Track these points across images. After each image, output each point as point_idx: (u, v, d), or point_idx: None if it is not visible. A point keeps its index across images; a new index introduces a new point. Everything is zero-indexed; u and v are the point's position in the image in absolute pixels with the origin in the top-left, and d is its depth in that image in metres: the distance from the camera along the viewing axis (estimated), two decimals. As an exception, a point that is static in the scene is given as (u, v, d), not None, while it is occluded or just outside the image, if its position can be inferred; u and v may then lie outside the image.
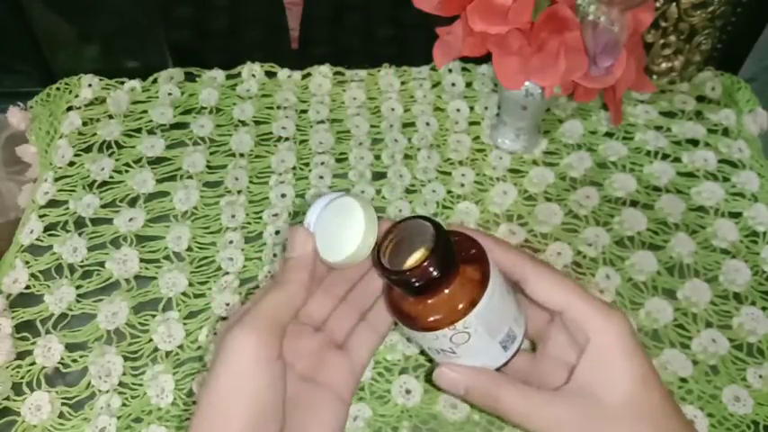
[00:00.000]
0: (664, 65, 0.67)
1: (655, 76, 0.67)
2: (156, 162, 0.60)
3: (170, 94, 0.65)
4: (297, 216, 0.58)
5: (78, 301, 0.52)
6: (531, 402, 0.34)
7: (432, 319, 0.33)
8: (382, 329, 0.38)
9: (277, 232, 0.56)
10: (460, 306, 0.32)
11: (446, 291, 0.33)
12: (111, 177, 0.59)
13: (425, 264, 0.31)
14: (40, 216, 0.56)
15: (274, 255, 0.55)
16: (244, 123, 0.64)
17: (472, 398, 0.35)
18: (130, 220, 0.56)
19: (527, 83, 0.53)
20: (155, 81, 0.66)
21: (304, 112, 0.65)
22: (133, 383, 0.48)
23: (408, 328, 0.34)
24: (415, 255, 0.35)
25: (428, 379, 0.49)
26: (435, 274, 0.31)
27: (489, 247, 0.35)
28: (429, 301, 0.33)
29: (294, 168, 0.61)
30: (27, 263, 0.53)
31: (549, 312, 0.37)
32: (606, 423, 0.32)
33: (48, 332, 0.50)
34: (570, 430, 0.33)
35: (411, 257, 0.35)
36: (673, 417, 0.33)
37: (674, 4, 0.61)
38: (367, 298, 0.38)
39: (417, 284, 0.32)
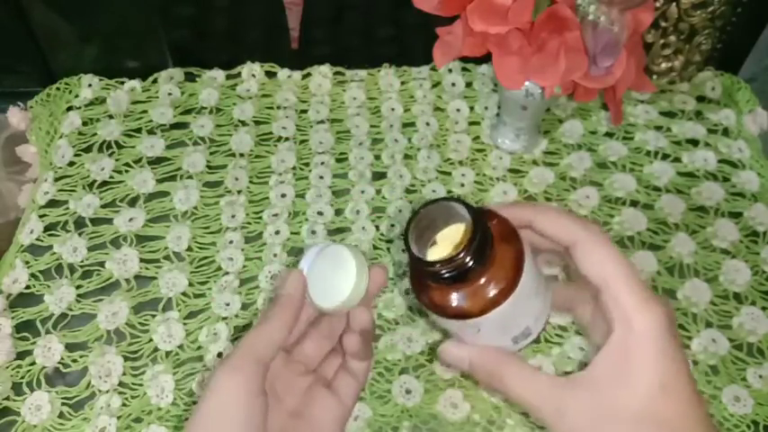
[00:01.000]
0: (664, 65, 0.67)
1: (655, 76, 0.67)
2: (156, 162, 0.60)
3: (170, 94, 0.65)
4: (296, 216, 0.58)
5: (78, 301, 0.52)
6: (536, 387, 0.32)
7: (455, 306, 0.31)
8: (361, 377, 0.38)
9: (277, 232, 0.56)
10: (490, 296, 0.31)
11: (479, 281, 0.31)
12: (111, 177, 0.59)
13: (461, 255, 0.29)
14: (40, 216, 0.56)
15: (274, 255, 0.55)
16: (244, 123, 0.64)
17: (476, 375, 0.34)
18: (130, 220, 0.56)
19: (527, 83, 0.53)
20: (155, 81, 0.66)
21: (304, 112, 0.65)
22: (133, 383, 0.48)
23: (431, 312, 0.33)
24: (446, 241, 0.33)
25: (428, 379, 0.49)
26: (470, 264, 0.30)
27: (533, 216, 0.32)
28: (455, 291, 0.31)
29: (294, 168, 0.61)
30: (27, 263, 0.53)
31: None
32: (613, 427, 0.30)
33: (48, 332, 0.50)
34: (573, 423, 0.30)
35: (442, 243, 0.33)
36: (691, 429, 0.30)
37: (674, 4, 0.61)
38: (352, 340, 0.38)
39: (449, 275, 0.30)
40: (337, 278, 0.35)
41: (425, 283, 0.32)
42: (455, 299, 0.31)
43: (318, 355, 0.38)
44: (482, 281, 0.31)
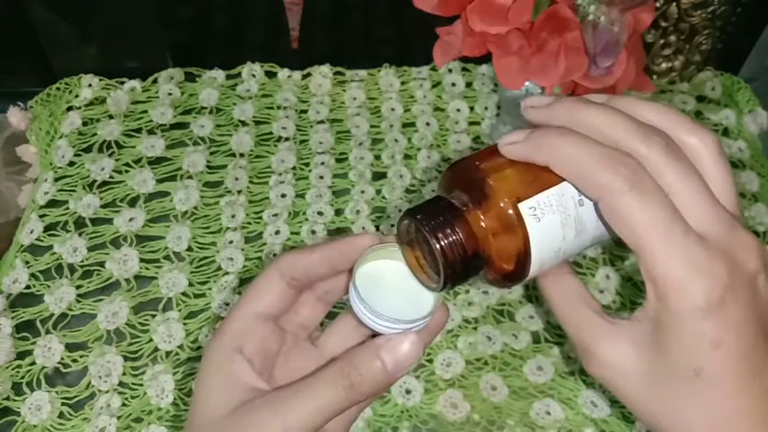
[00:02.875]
0: (664, 65, 0.67)
1: (655, 76, 0.67)
2: (156, 162, 0.60)
3: (170, 94, 0.65)
4: (296, 216, 0.58)
5: (78, 301, 0.52)
6: (579, 324, 0.29)
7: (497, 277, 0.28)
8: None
9: (277, 232, 0.56)
10: (508, 271, 0.27)
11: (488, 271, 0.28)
12: (111, 177, 0.59)
13: (444, 282, 0.27)
14: (40, 216, 0.56)
15: (274, 254, 0.55)
16: (244, 123, 0.64)
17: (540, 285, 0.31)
18: (130, 220, 0.56)
19: (527, 83, 0.53)
20: (155, 81, 0.66)
21: (304, 112, 0.65)
22: (133, 383, 0.48)
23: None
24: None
25: (428, 379, 0.49)
26: (467, 273, 0.27)
27: (547, 162, 0.26)
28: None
29: (294, 168, 0.61)
30: (27, 263, 0.53)
31: None
32: (659, 395, 0.26)
33: (48, 332, 0.50)
34: (602, 369, 0.27)
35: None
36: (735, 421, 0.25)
37: (674, 4, 0.61)
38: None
39: (462, 273, 0.27)
40: (409, 289, 0.30)
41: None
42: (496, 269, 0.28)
43: (313, 321, 0.33)
44: (490, 266, 0.27)
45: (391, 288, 0.30)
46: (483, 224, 0.27)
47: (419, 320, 0.28)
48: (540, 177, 0.27)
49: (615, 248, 0.55)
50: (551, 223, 0.26)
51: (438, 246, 0.26)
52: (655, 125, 0.26)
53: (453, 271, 0.27)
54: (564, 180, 0.27)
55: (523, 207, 0.26)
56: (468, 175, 0.27)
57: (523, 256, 0.27)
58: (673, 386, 0.26)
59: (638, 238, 0.25)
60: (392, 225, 0.57)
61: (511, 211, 0.26)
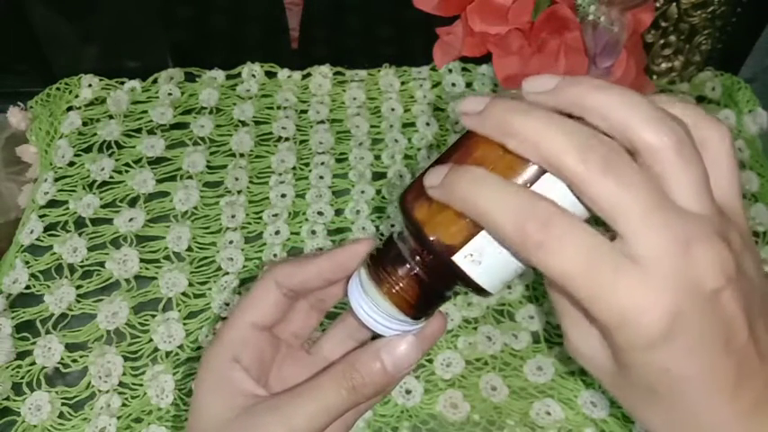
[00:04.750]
0: (664, 65, 0.67)
1: (655, 76, 0.67)
2: (156, 162, 0.60)
3: (170, 94, 0.65)
4: (296, 216, 0.58)
5: (78, 301, 0.52)
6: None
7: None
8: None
9: (277, 232, 0.56)
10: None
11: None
12: (111, 177, 0.59)
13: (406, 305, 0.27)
14: (40, 216, 0.56)
15: (274, 255, 0.55)
16: (244, 123, 0.64)
17: None
18: (130, 220, 0.56)
19: (527, 83, 0.53)
20: (155, 81, 0.66)
21: (304, 112, 0.65)
22: (133, 383, 0.48)
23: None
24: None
25: (428, 379, 0.49)
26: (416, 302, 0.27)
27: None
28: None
29: (294, 168, 0.61)
30: (27, 263, 0.53)
31: None
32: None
33: (48, 332, 0.50)
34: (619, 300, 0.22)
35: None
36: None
37: (674, 4, 0.61)
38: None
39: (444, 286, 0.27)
40: None
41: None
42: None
43: (306, 329, 0.33)
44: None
45: None
46: (427, 271, 0.27)
47: (418, 322, 0.29)
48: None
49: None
50: (497, 259, 0.25)
51: (392, 292, 0.27)
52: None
53: (416, 309, 0.27)
54: None
55: (458, 258, 0.25)
56: (407, 217, 0.26)
57: (476, 290, 0.26)
58: (635, 394, 0.26)
59: (572, 274, 0.22)
60: (392, 225, 0.57)
61: (447, 264, 0.25)
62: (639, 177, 0.22)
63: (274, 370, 0.32)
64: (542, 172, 0.23)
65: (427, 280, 0.27)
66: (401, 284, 0.27)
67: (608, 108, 0.23)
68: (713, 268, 0.22)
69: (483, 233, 0.25)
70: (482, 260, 0.25)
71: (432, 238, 0.25)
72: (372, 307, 0.28)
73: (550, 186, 0.23)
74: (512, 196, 0.23)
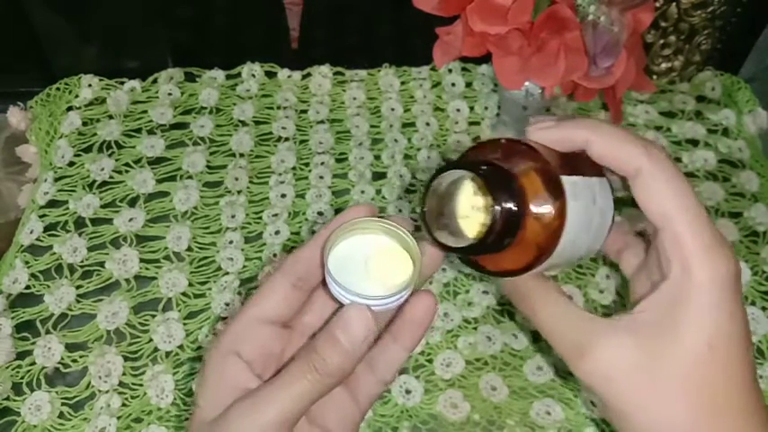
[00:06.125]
0: (664, 65, 0.67)
1: (655, 76, 0.67)
2: (156, 162, 0.60)
3: (170, 94, 0.65)
4: (296, 216, 0.58)
5: (78, 301, 0.52)
6: (565, 316, 0.28)
7: (489, 269, 0.29)
8: (388, 378, 0.33)
9: (277, 232, 0.56)
10: (526, 260, 0.27)
11: (513, 248, 0.27)
12: (111, 177, 0.59)
13: (489, 235, 0.26)
14: (40, 216, 0.56)
15: (274, 255, 0.55)
16: (244, 123, 0.64)
17: (510, 298, 0.31)
18: (130, 220, 0.56)
19: (527, 83, 0.53)
20: (155, 81, 0.66)
21: (304, 112, 0.65)
22: (133, 383, 0.48)
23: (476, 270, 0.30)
24: (473, 212, 0.28)
25: (428, 379, 0.49)
26: (506, 241, 0.26)
27: (589, 136, 0.28)
28: (486, 260, 0.28)
29: (294, 168, 0.61)
30: (27, 263, 0.53)
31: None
32: (640, 383, 0.26)
33: (48, 332, 0.50)
34: (594, 369, 0.27)
35: (469, 214, 0.29)
36: (733, 396, 0.26)
37: (674, 4, 0.61)
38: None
39: (484, 251, 0.27)
40: (382, 267, 0.30)
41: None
42: (488, 264, 0.28)
43: (321, 319, 0.33)
44: (517, 244, 0.27)
45: (365, 265, 0.30)
46: (529, 191, 0.26)
47: (391, 297, 0.28)
48: (573, 163, 0.28)
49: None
50: (581, 208, 0.27)
51: (504, 204, 0.26)
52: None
53: (501, 228, 0.26)
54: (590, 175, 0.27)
55: (566, 180, 0.26)
56: (509, 150, 0.27)
57: (557, 230, 0.26)
58: (674, 374, 0.26)
59: (672, 209, 0.26)
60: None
61: (556, 181, 0.26)
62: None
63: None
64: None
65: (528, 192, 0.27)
66: (511, 202, 0.26)
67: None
68: (734, 256, 0.28)
69: (583, 178, 0.28)
70: (576, 198, 0.27)
71: (542, 157, 0.27)
72: (338, 283, 0.28)
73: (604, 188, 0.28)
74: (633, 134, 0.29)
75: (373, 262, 0.30)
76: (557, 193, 0.26)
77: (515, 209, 0.26)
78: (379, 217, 0.30)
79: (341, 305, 0.29)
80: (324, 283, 0.30)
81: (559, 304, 0.29)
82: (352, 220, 0.29)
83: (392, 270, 0.29)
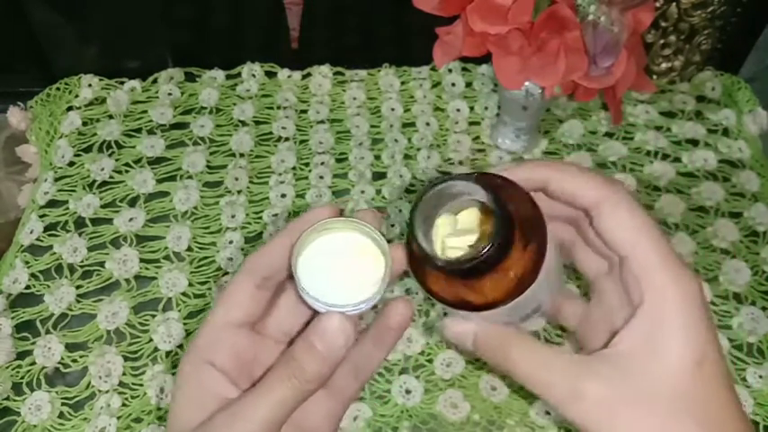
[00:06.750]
0: (664, 65, 0.67)
1: (655, 76, 0.67)
2: (156, 162, 0.60)
3: (170, 94, 0.65)
4: (296, 216, 0.57)
5: (78, 301, 0.52)
6: (548, 364, 0.28)
7: (465, 300, 0.28)
8: (366, 378, 0.33)
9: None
10: (506, 288, 0.27)
11: (495, 274, 0.27)
12: (111, 177, 0.59)
13: (483, 253, 0.25)
14: (40, 216, 0.56)
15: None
16: (244, 123, 0.64)
17: (481, 353, 0.30)
18: (130, 220, 0.56)
19: (527, 83, 0.53)
20: (155, 81, 0.66)
21: (304, 112, 0.65)
22: (133, 383, 0.48)
23: (444, 305, 0.29)
24: (459, 230, 0.29)
25: (428, 379, 0.49)
26: (491, 261, 0.26)
27: (550, 175, 0.28)
28: (465, 284, 0.28)
29: (294, 168, 0.61)
30: (27, 263, 0.53)
31: (609, 260, 0.30)
32: (638, 410, 0.26)
33: (48, 332, 0.50)
34: (590, 408, 0.26)
35: (456, 233, 0.29)
36: (723, 410, 0.27)
37: (674, 4, 0.61)
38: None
39: (463, 270, 0.27)
40: (353, 267, 0.29)
41: (427, 270, 0.29)
42: (465, 292, 0.28)
43: (295, 325, 0.32)
44: (499, 273, 0.27)
45: (335, 268, 0.29)
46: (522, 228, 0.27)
47: (365, 301, 0.28)
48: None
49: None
50: (553, 249, 0.28)
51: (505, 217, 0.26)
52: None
53: (501, 242, 0.26)
54: None
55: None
56: (506, 183, 0.28)
57: (537, 265, 0.27)
58: (669, 396, 0.26)
59: (637, 236, 0.27)
60: (392, 225, 0.57)
61: (542, 220, 0.27)
62: None
63: (263, 370, 0.31)
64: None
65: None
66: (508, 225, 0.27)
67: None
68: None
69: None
70: (548, 251, 0.28)
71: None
72: (308, 290, 0.28)
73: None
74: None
75: (343, 263, 0.30)
76: (542, 232, 0.27)
77: (507, 236, 0.26)
78: (341, 215, 0.30)
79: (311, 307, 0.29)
80: (291, 278, 0.29)
81: (540, 351, 0.28)
82: (318, 222, 0.29)
83: (363, 268, 0.29)
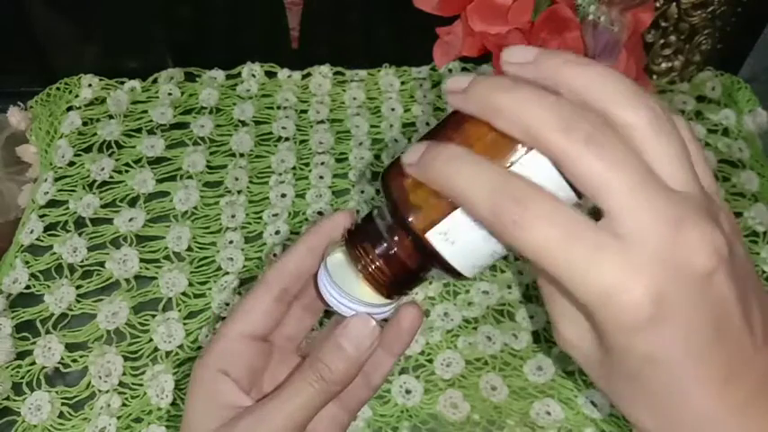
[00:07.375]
0: (664, 65, 0.67)
1: (655, 76, 0.67)
2: (156, 162, 0.60)
3: (170, 94, 0.65)
4: (296, 216, 0.58)
5: (78, 301, 0.52)
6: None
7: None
8: (377, 383, 0.33)
9: (277, 232, 0.56)
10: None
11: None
12: (111, 177, 0.59)
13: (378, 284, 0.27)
14: (40, 216, 0.56)
15: (274, 254, 0.55)
16: (244, 123, 0.64)
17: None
18: (130, 220, 0.56)
19: (527, 83, 0.53)
20: (155, 81, 0.66)
21: (304, 112, 0.65)
22: (133, 383, 0.48)
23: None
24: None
25: (428, 379, 0.49)
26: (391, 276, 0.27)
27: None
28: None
29: (294, 168, 0.61)
30: (27, 263, 0.53)
31: None
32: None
33: (48, 332, 0.50)
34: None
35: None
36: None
37: (674, 4, 0.61)
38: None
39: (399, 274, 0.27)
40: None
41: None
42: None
43: (301, 332, 0.33)
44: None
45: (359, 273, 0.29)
46: (402, 249, 0.27)
47: (390, 305, 0.29)
48: None
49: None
50: (471, 239, 0.25)
51: (367, 270, 0.27)
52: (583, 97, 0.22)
53: (390, 288, 0.27)
54: None
55: (431, 236, 0.24)
56: (386, 193, 0.26)
57: (449, 272, 0.26)
58: (619, 383, 0.24)
59: (549, 251, 0.21)
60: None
61: (420, 242, 0.25)
62: (625, 153, 0.21)
63: (268, 376, 0.32)
64: (527, 151, 0.22)
65: (402, 258, 0.27)
66: (377, 263, 0.27)
67: (584, 84, 0.22)
68: (705, 249, 0.21)
69: (458, 212, 0.24)
70: (456, 240, 0.24)
71: (406, 215, 0.25)
72: (339, 291, 0.28)
73: (536, 167, 0.22)
74: (487, 174, 0.22)
75: None
76: (426, 255, 0.26)
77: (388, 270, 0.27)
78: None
79: (327, 315, 0.29)
80: (317, 291, 0.30)
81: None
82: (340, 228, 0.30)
83: None
